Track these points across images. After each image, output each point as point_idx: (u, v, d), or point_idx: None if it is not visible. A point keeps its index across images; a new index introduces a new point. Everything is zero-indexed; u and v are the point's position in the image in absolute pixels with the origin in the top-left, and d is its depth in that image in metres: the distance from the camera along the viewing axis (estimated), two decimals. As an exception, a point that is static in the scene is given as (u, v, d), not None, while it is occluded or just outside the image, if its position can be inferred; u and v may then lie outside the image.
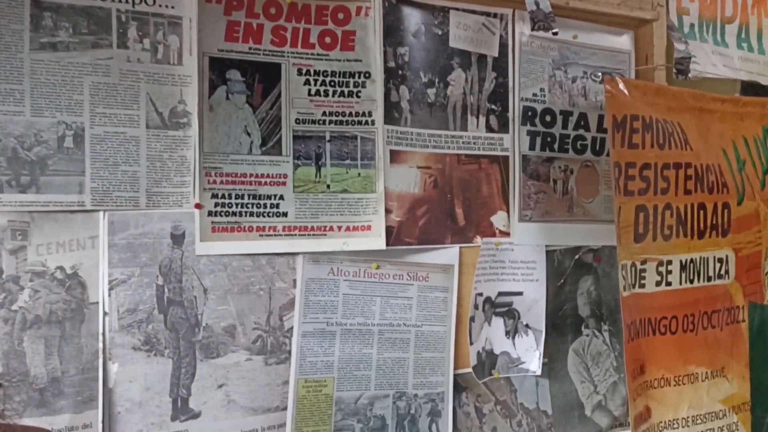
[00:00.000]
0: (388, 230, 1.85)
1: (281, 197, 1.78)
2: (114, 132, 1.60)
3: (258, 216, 1.75)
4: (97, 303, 1.59)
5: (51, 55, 1.55)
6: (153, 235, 1.65)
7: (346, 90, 1.84)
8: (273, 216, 1.77)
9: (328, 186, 1.82)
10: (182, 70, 1.67)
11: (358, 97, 1.85)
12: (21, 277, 1.53)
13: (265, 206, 1.76)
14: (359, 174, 1.85)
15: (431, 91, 1.94)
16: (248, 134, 1.74)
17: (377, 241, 1.83)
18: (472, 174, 2.00)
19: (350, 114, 1.84)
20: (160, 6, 1.65)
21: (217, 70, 1.71)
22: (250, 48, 1.75)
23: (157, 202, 1.65)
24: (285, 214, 1.78)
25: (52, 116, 1.55)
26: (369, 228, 1.84)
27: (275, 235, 1.77)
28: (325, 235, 1.81)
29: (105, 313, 1.60)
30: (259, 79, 1.76)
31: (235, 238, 1.73)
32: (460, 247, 1.97)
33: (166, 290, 1.67)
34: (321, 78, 1.82)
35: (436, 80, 1.94)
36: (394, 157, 1.87)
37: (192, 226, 1.68)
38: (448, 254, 1.95)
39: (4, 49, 1.51)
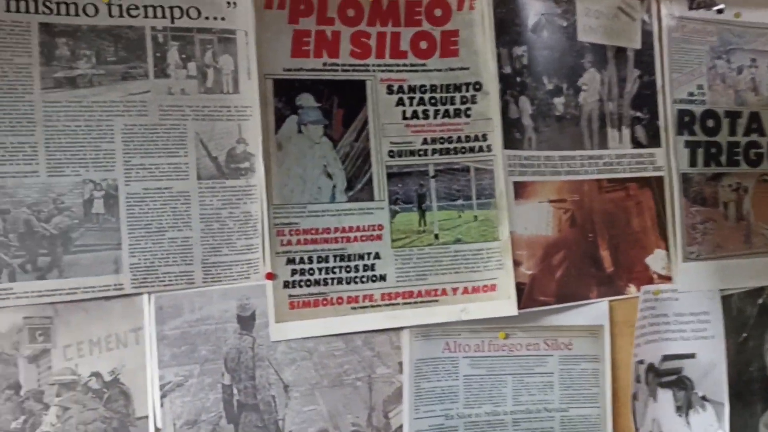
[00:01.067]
0: (518, 288, 1.40)
1: (377, 256, 1.36)
2: (156, 188, 1.22)
3: (348, 283, 1.34)
4: (147, 417, 1.20)
5: (69, 93, 1.17)
6: (214, 319, 1.25)
7: (451, 108, 1.42)
8: (368, 281, 1.35)
9: (437, 236, 1.39)
10: (239, 99, 1.28)
11: (468, 116, 1.42)
12: (45, 391, 1.15)
13: (356, 269, 1.34)
14: (476, 217, 1.41)
15: (559, 101, 1.49)
16: (329, 176, 1.34)
17: (506, 304, 1.38)
18: (618, 203, 1.53)
19: (459, 139, 1.41)
20: (206, 19, 1.26)
21: (284, 95, 1.31)
22: (324, 64, 1.34)
23: (216, 275, 1.25)
24: (383, 278, 1.36)
25: (74, 174, 1.17)
26: (493, 288, 1.40)
27: (372, 306, 1.34)
28: (437, 301, 1.38)
29: (157, 430, 1.21)
30: (338, 103, 1.35)
31: (320, 315, 1.31)
32: (610, 301, 1.49)
33: (235, 391, 1.27)
34: (418, 95, 1.40)
35: (565, 86, 1.49)
36: (520, 190, 1.43)
37: (263, 304, 1.27)
38: (594, 312, 1.48)
39: (8, 91, 1.14)
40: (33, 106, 1.15)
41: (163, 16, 1.23)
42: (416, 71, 1.40)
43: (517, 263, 1.41)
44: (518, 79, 1.45)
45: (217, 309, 1.25)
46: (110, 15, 1.20)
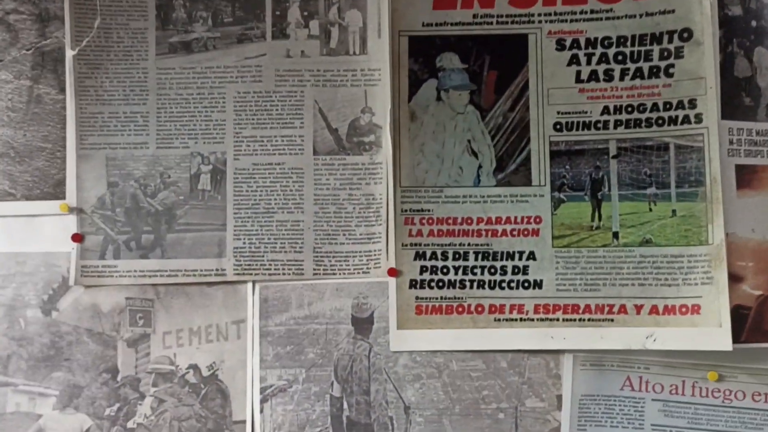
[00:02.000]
0: (738, 313, 1.01)
1: (531, 256, 1.06)
2: (267, 163, 1.07)
3: (492, 287, 1.06)
4: (244, 422, 1.07)
5: (183, 59, 1.08)
6: (325, 318, 1.07)
7: (646, 66, 1.06)
8: (517, 287, 1.05)
9: (616, 235, 1.05)
10: (367, 61, 1.08)
11: (669, 75, 1.05)
12: (141, 379, 1.07)
13: (503, 271, 1.06)
14: (674, 211, 1.04)
15: (820, 53, 1.06)
16: (474, 154, 1.08)
17: (714, 334, 0.99)
18: None
19: (655, 107, 1.05)
20: (334, -31, 1.10)
21: (421, 55, 1.08)
22: (475, 15, 1.08)
23: (330, 267, 1.07)
24: (538, 285, 1.06)
25: (183, 146, 1.08)
26: (696, 309, 1.02)
27: (522, 319, 1.05)
28: (612, 320, 1.04)
29: (255, 439, 1.09)
30: (490, 63, 1.08)
31: (453, 324, 1.06)
32: None
33: (345, 406, 1.07)
34: (599, 51, 1.07)
35: (831, 31, 1.06)
36: (745, 177, 1.02)
37: (384, 305, 1.06)
38: None
39: (123, 58, 1.08)
40: (147, 74, 1.08)
41: (286, -33, 1.10)
42: (598, 19, 1.07)
43: (736, 278, 1.01)
44: (753, 23, 1.05)
45: (329, 306, 1.07)
46: (230, -29, 1.10)
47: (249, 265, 1.07)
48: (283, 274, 1.07)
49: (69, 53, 1.07)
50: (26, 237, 1.08)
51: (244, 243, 1.07)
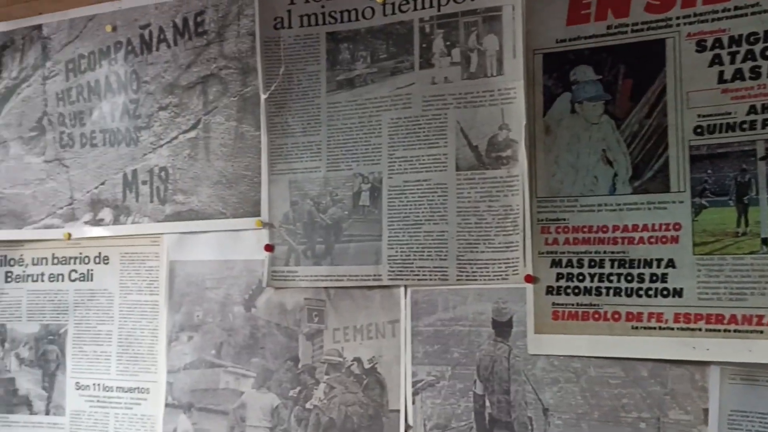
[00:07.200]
0: None
1: (670, 263, 1.03)
2: (415, 180, 1.19)
3: (629, 295, 1.05)
4: (398, 411, 1.19)
5: (348, 93, 1.25)
6: (468, 321, 1.15)
7: (800, 59, 0.98)
8: (656, 295, 1.03)
9: (765, 241, 0.97)
10: (503, 81, 1.14)
11: (828, 67, 0.96)
12: (317, 368, 1.25)
13: (641, 279, 1.04)
14: (835, 215, 0.95)
15: None
16: (609, 163, 1.07)
17: None
18: None
19: (811, 102, 0.97)
20: (472, 0, 1.19)
21: (555, 71, 1.11)
22: (609, 27, 1.08)
23: (471, 273, 1.15)
24: (678, 293, 1.02)
25: (347, 168, 1.25)
26: None
27: (661, 328, 1.03)
28: (761, 332, 0.96)
29: (408, 427, 1.18)
30: (625, 72, 1.07)
31: (590, 330, 1.07)
32: None
33: (487, 403, 1.13)
34: (744, 48, 1.00)
35: None
36: None
37: (522, 310, 1.11)
38: None
39: (301, 96, 1.29)
40: (319, 108, 1.27)
41: (431, 6, 1.20)
42: (743, 15, 1.01)
43: None
44: None
45: (471, 310, 1.15)
46: (384, 14, 1.24)
47: (401, 271, 1.20)
48: (431, 279, 1.18)
49: (262, 97, 1.31)
50: (233, 247, 1.34)
51: (397, 252, 1.20)
